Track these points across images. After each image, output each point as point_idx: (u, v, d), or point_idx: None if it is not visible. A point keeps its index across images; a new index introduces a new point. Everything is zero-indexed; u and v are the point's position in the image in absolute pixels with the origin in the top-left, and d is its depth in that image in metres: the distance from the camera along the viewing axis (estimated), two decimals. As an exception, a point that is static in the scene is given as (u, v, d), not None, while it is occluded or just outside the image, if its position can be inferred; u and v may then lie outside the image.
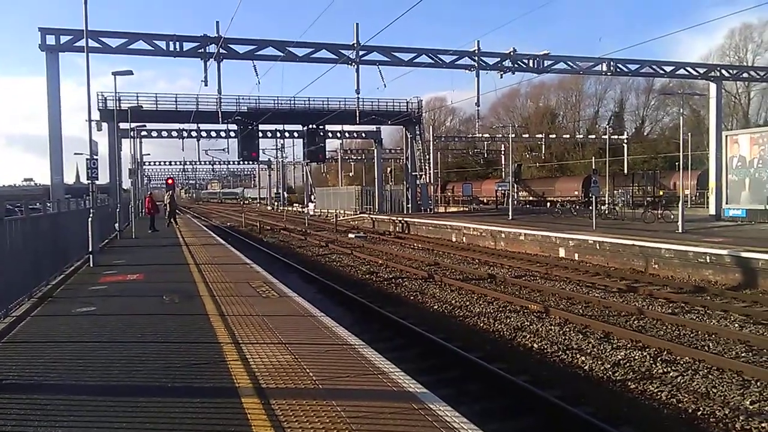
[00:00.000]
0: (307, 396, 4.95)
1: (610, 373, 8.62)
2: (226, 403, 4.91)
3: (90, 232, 15.12)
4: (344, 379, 5.43)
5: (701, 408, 7.15)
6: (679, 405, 7.31)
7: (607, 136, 53.03)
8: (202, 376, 5.70)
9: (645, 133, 73.68)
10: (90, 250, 15.23)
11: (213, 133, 46.38)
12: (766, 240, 18.14)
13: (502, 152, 68.49)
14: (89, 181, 15.90)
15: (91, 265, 14.88)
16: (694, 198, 43.51)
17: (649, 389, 7.89)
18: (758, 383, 7.78)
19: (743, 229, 22.34)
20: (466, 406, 6.91)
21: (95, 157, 15.81)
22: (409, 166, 44.90)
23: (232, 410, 4.74)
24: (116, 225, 25.02)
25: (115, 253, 18.41)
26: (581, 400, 7.56)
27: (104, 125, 34.41)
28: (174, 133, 45.73)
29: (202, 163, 79.62)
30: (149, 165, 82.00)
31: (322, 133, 43.53)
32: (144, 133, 44.53)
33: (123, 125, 36.47)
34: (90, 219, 15.17)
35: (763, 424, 6.55)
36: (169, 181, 34.92)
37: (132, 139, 38.24)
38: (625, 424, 6.78)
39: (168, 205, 31.48)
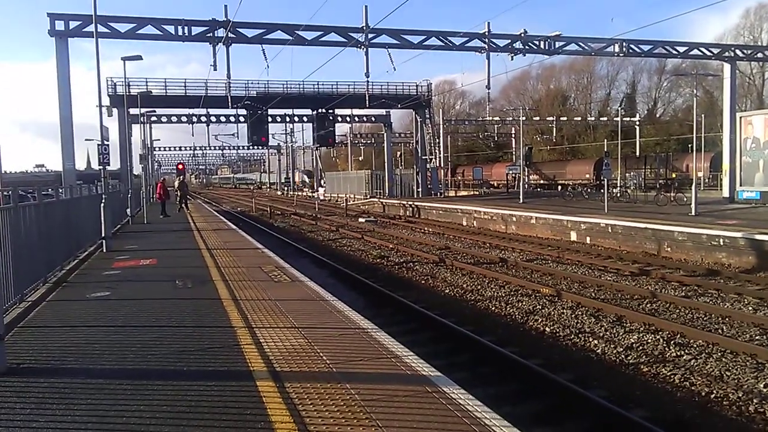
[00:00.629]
0: (321, 379, 4.98)
1: (623, 356, 8.61)
2: (241, 386, 4.94)
3: (102, 218, 15.21)
4: (358, 363, 5.45)
5: (715, 391, 7.13)
6: (693, 388, 7.30)
7: (619, 119, 52.51)
8: (216, 359, 5.73)
9: (657, 115, 72.92)
10: (103, 235, 15.33)
11: (222, 118, 46.47)
12: (780, 222, 17.98)
13: (513, 135, 68.14)
14: (101, 167, 15.98)
15: (104, 251, 14.98)
16: (707, 180, 43.10)
17: (663, 372, 7.87)
18: (773, 366, 7.75)
19: (757, 212, 22.11)
20: (479, 389, 6.93)
21: (106, 142, 15.86)
22: (419, 150, 44.75)
23: (247, 393, 4.77)
24: (128, 210, 25.17)
25: (127, 238, 18.53)
26: (594, 383, 7.57)
27: (114, 111, 34.49)
28: (184, 119, 45.82)
29: (212, 148, 79.77)
30: (159, 150, 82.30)
31: (331, 118, 43.43)
32: (154, 118, 44.65)
33: (133, 111, 36.58)
34: (102, 204, 15.26)
35: (777, 408, 6.53)
36: (180, 167, 34.96)
37: (142, 125, 38.33)
38: (638, 407, 6.78)
39: (179, 190, 31.59)
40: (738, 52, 30.85)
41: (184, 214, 29.11)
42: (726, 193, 28.10)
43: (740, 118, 26.69)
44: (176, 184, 32.04)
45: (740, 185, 26.28)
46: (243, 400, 4.66)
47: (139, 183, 36.52)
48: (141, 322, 7.42)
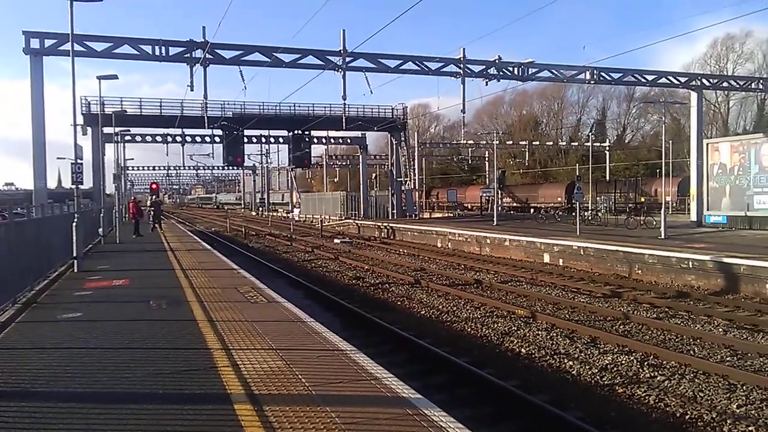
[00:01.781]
0: (301, 402, 4.94)
1: (597, 377, 8.69)
2: (218, 410, 4.88)
3: (74, 237, 14.95)
4: (337, 385, 5.42)
5: (689, 412, 7.23)
6: (667, 409, 7.38)
7: (589, 144, 53.54)
8: (193, 382, 5.66)
9: (626, 141, 74.54)
10: (74, 255, 15.06)
11: (198, 138, 46.21)
12: (746, 246, 18.42)
13: (486, 159, 68.91)
14: (73, 186, 15.74)
15: (76, 270, 14.70)
16: (675, 204, 44.06)
17: (637, 393, 7.96)
18: (744, 387, 7.89)
19: (724, 235, 22.65)
20: (456, 411, 6.93)
21: (80, 161, 15.65)
22: (394, 172, 45.00)
23: (224, 417, 4.71)
24: (100, 230, 24.76)
25: (99, 258, 18.22)
26: (570, 404, 7.61)
27: (89, 130, 34.09)
28: (158, 138, 45.38)
29: (187, 168, 79.01)
30: (133, 170, 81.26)
31: (307, 139, 43.45)
32: (128, 137, 44.15)
33: (107, 130, 36.15)
34: (74, 224, 15.00)
35: (750, 428, 6.64)
36: (153, 186, 34.57)
37: (116, 144, 37.89)
38: (614, 428, 6.84)
39: (152, 209, 31.20)
40: (704, 81, 31.75)
41: (158, 234, 28.73)
42: (694, 217, 28.76)
43: (707, 144, 27.45)
44: (149, 203, 31.64)
45: (707, 209, 26.93)
46: (220, 424, 4.60)
47: (112, 202, 36.00)
48: (114, 344, 7.29)
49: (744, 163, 24.94)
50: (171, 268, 15.34)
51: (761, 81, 33.64)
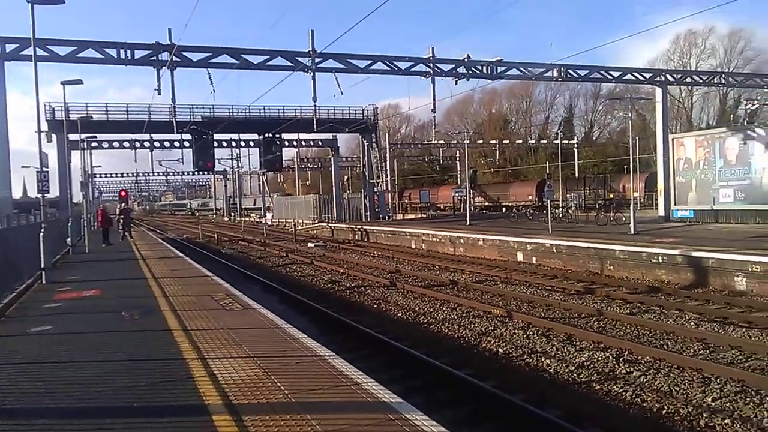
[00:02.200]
0: (281, 411, 4.87)
1: (575, 375, 8.76)
2: (196, 422, 4.78)
3: (42, 248, 14.58)
4: (317, 392, 5.36)
5: (665, 407, 7.32)
6: (644, 404, 7.47)
7: (558, 141, 54.20)
8: (169, 394, 5.54)
9: (594, 138, 75.69)
10: (42, 266, 14.69)
11: (167, 144, 45.45)
12: (714, 239, 18.80)
13: (458, 158, 69.29)
14: (39, 195, 15.35)
15: (44, 282, 14.35)
16: (642, 200, 44.80)
17: (614, 390, 8.04)
18: (718, 380, 8.02)
19: (692, 230, 23.10)
20: (436, 413, 6.92)
21: (45, 169, 15.28)
22: (367, 174, 44.95)
23: (202, 429, 4.62)
24: (68, 240, 24.23)
25: (68, 268, 17.81)
26: (548, 402, 7.65)
27: (54, 137, 33.36)
28: (126, 144, 44.64)
29: (156, 174, 77.88)
30: (100, 177, 79.90)
31: (278, 142, 43.11)
32: (94, 144, 43.33)
33: (72, 136, 35.42)
34: (41, 234, 14.63)
35: (726, 421, 6.75)
36: (122, 194, 34.05)
37: (82, 151, 37.14)
38: (593, 425, 6.89)
39: (121, 217, 30.66)
40: (669, 76, 32.38)
41: (128, 242, 28.24)
42: (662, 212, 29.26)
43: (673, 139, 27.96)
44: (117, 211, 31.09)
45: (675, 204, 27.44)
46: (200, 436, 4.51)
47: (80, 211, 35.25)
48: (86, 357, 7.11)
49: (709, 158, 25.47)
50: (143, 276, 15.07)
51: (724, 75, 34.41)
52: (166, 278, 14.47)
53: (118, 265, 18.33)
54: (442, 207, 61.24)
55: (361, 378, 5.66)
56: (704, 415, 7.00)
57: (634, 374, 8.55)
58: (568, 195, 45.23)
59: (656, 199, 34.86)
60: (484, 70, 28.67)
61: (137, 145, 44.49)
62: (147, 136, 43.03)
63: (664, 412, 7.23)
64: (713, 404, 7.30)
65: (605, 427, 6.89)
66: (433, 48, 27.52)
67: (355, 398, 5.14)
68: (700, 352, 9.55)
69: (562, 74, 29.79)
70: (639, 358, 9.25)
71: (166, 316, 9.38)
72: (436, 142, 66.04)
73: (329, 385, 5.54)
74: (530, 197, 51.74)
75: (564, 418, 6.98)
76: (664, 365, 8.82)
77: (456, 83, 28.52)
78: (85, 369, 6.59)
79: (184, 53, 23.93)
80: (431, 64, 27.56)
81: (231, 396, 5.32)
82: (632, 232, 22.41)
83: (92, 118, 34.79)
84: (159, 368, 6.44)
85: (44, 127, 33.29)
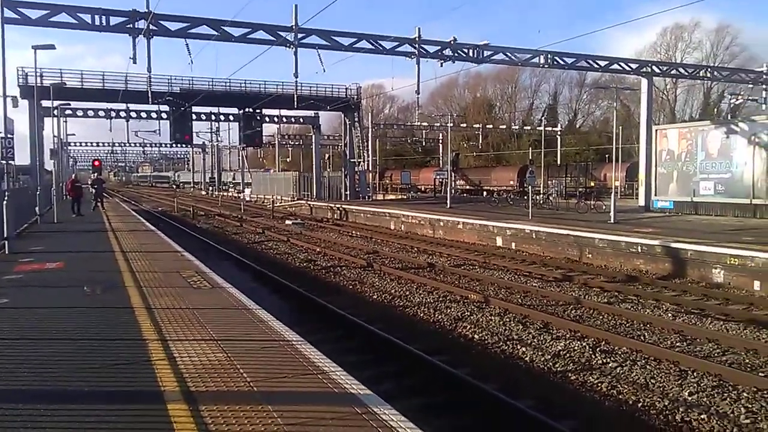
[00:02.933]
0: (241, 400, 4.54)
1: (550, 364, 8.57)
2: (149, 410, 4.44)
3: (5, 217, 14.02)
4: (281, 380, 5.05)
5: (641, 400, 7.15)
6: (620, 397, 7.30)
7: (542, 128, 54.06)
8: (123, 378, 5.19)
9: (578, 126, 75.85)
10: (5, 235, 14.13)
11: (143, 114, 44.43)
12: (693, 231, 18.77)
13: (440, 141, 68.93)
14: (4, 162, 14.75)
15: (6, 252, 13.80)
16: (623, 189, 44.95)
17: (590, 380, 7.86)
18: (695, 374, 7.87)
19: (671, 220, 23.10)
20: (408, 401, 6.68)
21: (10, 136, 14.65)
22: (348, 153, 44.47)
23: (155, 418, 4.29)
24: (36, 209, 23.51)
25: (33, 238, 17.22)
26: (523, 392, 7.44)
27: (24, 102, 32.31)
28: (101, 113, 43.51)
29: (132, 145, 76.33)
30: (75, 146, 78.11)
31: (258, 117, 42.44)
32: (68, 112, 42.21)
33: (46, 103, 34.38)
34: (4, 202, 14.06)
35: (702, 416, 6.59)
36: (96, 163, 33.21)
37: (54, 118, 36.09)
38: (568, 417, 6.69)
39: (93, 187, 29.91)
40: (655, 68, 32.18)
41: (99, 213, 27.56)
42: (642, 202, 29.27)
43: (656, 131, 27.89)
44: (89, 181, 30.31)
45: (655, 195, 27.44)
46: (150, 427, 4.17)
47: (51, 179, 34.35)
48: (40, 335, 6.73)
49: (691, 150, 25.44)
50: (111, 250, 14.58)
51: (709, 69, 34.35)
52: (135, 252, 14.00)
53: (86, 237, 17.78)
54: (423, 189, 61.01)
55: (329, 366, 5.35)
56: (680, 409, 6.84)
57: (610, 365, 8.38)
58: (549, 182, 45.23)
59: (637, 189, 34.93)
60: (470, 54, 28.20)
61: (113, 114, 43.39)
62: (123, 106, 42.00)
63: (640, 405, 7.06)
64: (690, 399, 7.13)
65: (581, 418, 6.70)
66: (419, 28, 26.94)
67: (322, 389, 4.84)
68: (677, 344, 9.41)
69: (549, 61, 29.41)
70: (616, 348, 9.09)
71: (129, 293, 8.98)
72: (419, 123, 65.51)
73: (295, 373, 5.22)
74: (512, 182, 51.68)
75: (538, 408, 6.77)
76: (640, 357, 8.66)
77: (441, 65, 28.01)
78: (37, 347, 6.21)
79: (162, 22, 23.07)
80: (417, 45, 27.00)
81: (189, 382, 4.98)
82: (612, 221, 22.35)
83: (65, 84, 33.77)
84: (116, 349, 6.07)
85: (16, 92, 32.24)
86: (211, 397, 4.62)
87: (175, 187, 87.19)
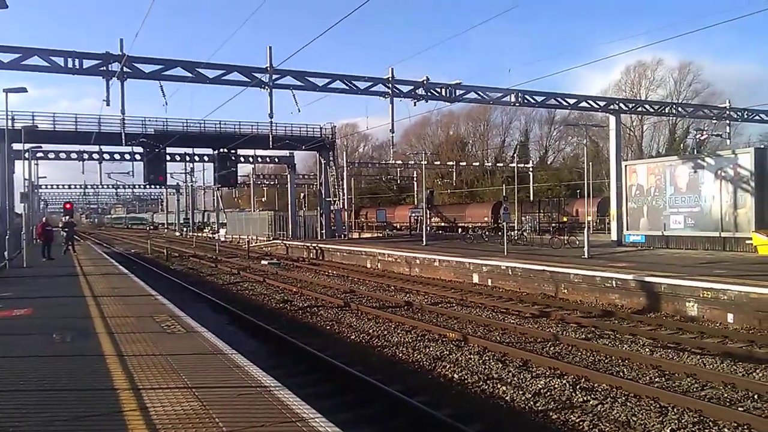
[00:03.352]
0: (217, 452, 4.40)
1: (531, 403, 8.50)
2: (120, 465, 4.27)
3: (-29, 263, 13.65)
4: (259, 429, 4.89)
5: (623, 438, 7.10)
6: (602, 436, 7.24)
7: (514, 165, 54.88)
8: (93, 431, 4.99)
9: (549, 162, 77.12)
10: (-30, 282, 13.73)
11: (117, 156, 44.04)
12: (665, 264, 19.03)
13: (415, 179, 69.43)
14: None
15: (-28, 300, 13.39)
16: (595, 224, 45.53)
17: (571, 419, 7.80)
18: (675, 410, 7.86)
19: (643, 254, 23.42)
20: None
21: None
22: (323, 192, 44.51)
23: (127, 473, 4.12)
24: (5, 253, 22.96)
25: (1, 285, 16.73)
26: (506, 433, 7.35)
27: (-7, 145, 31.85)
28: (74, 155, 43.04)
29: (105, 186, 75.36)
30: (46, 188, 76.86)
31: (233, 158, 42.36)
32: (40, 154, 41.71)
33: (17, 146, 33.91)
34: (-29, 248, 13.72)
35: (684, 454, 6.56)
36: (67, 206, 32.58)
37: (25, 161, 35.56)
38: (551, 458, 6.61)
39: (64, 230, 29.36)
40: (622, 105, 33.06)
41: (71, 256, 27.01)
42: (614, 236, 29.69)
43: (626, 166, 28.53)
44: (60, 224, 29.75)
45: (627, 229, 27.88)
46: (122, 482, 4.00)
47: (20, 223, 33.66)
48: (5, 386, 6.46)
49: (660, 185, 26.00)
50: (81, 295, 14.24)
51: (674, 106, 35.40)
52: (107, 296, 13.69)
53: (56, 282, 17.35)
54: (398, 227, 61.12)
55: (308, 413, 5.21)
56: (663, 447, 6.81)
57: (591, 402, 8.34)
58: (523, 217, 45.68)
59: (608, 223, 35.45)
60: (443, 93, 28.68)
61: (86, 156, 42.96)
62: (96, 148, 41.65)
63: (622, 444, 7.01)
64: (672, 436, 7.11)
65: (563, 460, 6.62)
66: (392, 69, 27.39)
67: (301, 437, 4.71)
68: (656, 379, 9.43)
69: (520, 99, 30.04)
70: (595, 385, 9.06)
71: (101, 339, 8.73)
72: (393, 162, 66.04)
73: (273, 421, 5.07)
74: (486, 219, 52.08)
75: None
76: (621, 393, 8.64)
77: (415, 104, 28.43)
78: (3, 400, 5.95)
79: (136, 64, 23.09)
80: (390, 85, 27.39)
81: (162, 434, 4.81)
82: (586, 256, 22.56)
83: (37, 127, 33.41)
84: (85, 400, 5.85)
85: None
86: (185, 450, 4.46)
87: (150, 228, 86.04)
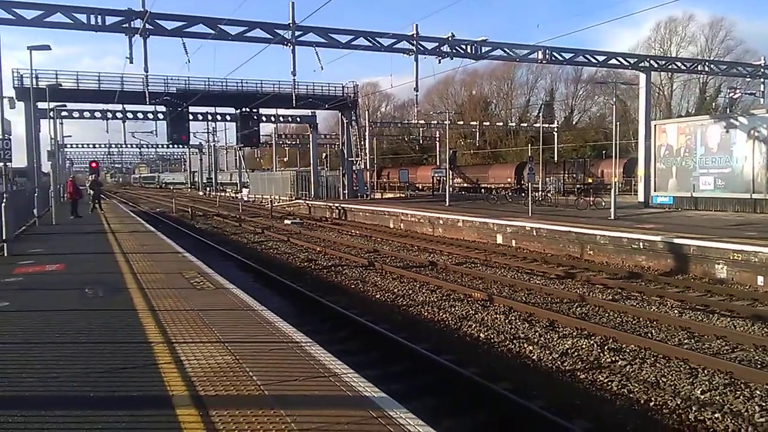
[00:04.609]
0: (252, 405, 4.43)
1: (559, 363, 8.48)
2: (157, 416, 4.33)
3: (3, 219, 13.88)
4: (292, 384, 4.93)
5: (653, 398, 7.06)
6: (631, 396, 7.20)
7: (539, 125, 54.03)
8: (129, 382, 5.07)
9: (574, 122, 75.78)
10: (4, 238, 13.99)
11: (140, 115, 44.25)
12: (693, 226, 18.70)
13: (437, 139, 68.83)
14: (1, 164, 14.61)
15: (5, 255, 13.66)
16: (621, 185, 44.87)
17: (599, 379, 7.77)
18: (705, 371, 7.78)
19: (671, 216, 23.05)
20: (417, 402, 6.58)
21: (8, 137, 14.50)
22: (345, 152, 44.34)
23: (165, 424, 4.18)
24: (35, 210, 23.35)
25: (33, 241, 17.06)
26: (533, 392, 7.35)
27: (20, 104, 32.08)
28: (98, 114, 43.32)
29: (129, 146, 76.19)
30: (71, 147, 77.81)
31: (255, 117, 42.24)
32: (65, 113, 42.04)
33: (42, 105, 34.20)
34: (3, 204, 13.92)
35: (716, 415, 6.50)
36: (93, 165, 33.01)
37: (50, 120, 35.90)
38: (579, 417, 6.60)
39: (91, 189, 29.74)
40: (653, 62, 32.19)
41: (98, 214, 27.40)
42: (641, 197, 29.24)
43: (655, 126, 27.85)
44: (87, 183, 30.13)
45: (655, 190, 27.40)
46: (160, 432, 4.07)
47: (49, 181, 34.16)
48: (43, 338, 6.60)
49: (690, 145, 25.40)
50: (111, 251, 14.45)
51: (707, 63, 34.35)
52: (135, 253, 13.87)
53: (86, 239, 17.63)
54: (420, 187, 60.91)
55: (340, 368, 5.24)
56: (693, 408, 6.75)
57: (619, 363, 8.29)
58: (547, 178, 45.16)
59: (635, 185, 34.91)
60: (469, 50, 28.12)
61: (109, 115, 43.21)
62: (119, 107, 41.83)
63: (651, 404, 6.96)
64: (702, 397, 7.04)
65: (592, 418, 6.60)
66: (416, 25, 26.87)
67: (334, 392, 4.73)
68: (686, 341, 9.33)
69: (547, 56, 29.37)
70: (623, 346, 9.00)
71: (132, 295, 8.86)
72: (416, 121, 65.45)
73: (306, 375, 5.11)
74: (509, 180, 51.62)
75: (550, 409, 6.67)
76: (649, 354, 8.57)
77: (439, 62, 27.94)
78: (41, 352, 6.08)
79: (158, 21, 22.95)
80: (414, 42, 26.92)
81: (198, 386, 4.87)
82: (612, 217, 22.26)
83: (61, 86, 33.59)
84: (121, 352, 5.96)
85: (11, 93, 32.02)
86: (220, 402, 4.51)
87: (187, 186, 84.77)
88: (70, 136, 60.30)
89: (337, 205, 36.58)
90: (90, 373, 5.31)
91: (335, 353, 5.98)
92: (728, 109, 26.52)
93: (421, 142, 76.38)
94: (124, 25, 22.15)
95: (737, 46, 59.95)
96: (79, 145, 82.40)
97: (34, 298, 8.96)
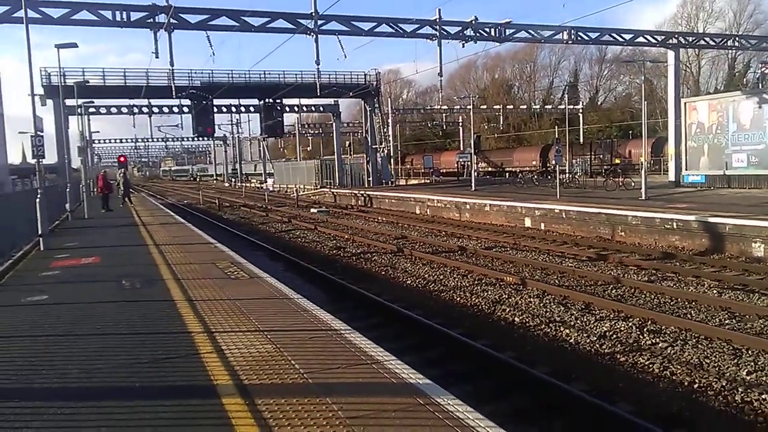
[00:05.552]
0: (297, 393, 4.44)
1: (597, 346, 8.37)
2: (204, 405, 4.36)
3: (38, 214, 14.12)
4: (335, 371, 4.93)
5: (697, 380, 6.92)
6: (674, 378, 7.08)
7: (564, 106, 53.26)
8: (174, 372, 5.12)
9: (599, 103, 74.59)
10: (40, 232, 14.25)
11: (165, 109, 44.75)
12: (727, 205, 18.31)
13: (460, 124, 68.35)
14: (35, 160, 14.84)
15: (42, 249, 13.92)
16: (649, 165, 44.11)
17: (640, 362, 7.65)
18: (750, 352, 7.61)
19: (704, 195, 22.60)
20: (456, 387, 6.54)
21: (40, 134, 14.72)
22: (369, 139, 44.29)
23: (212, 413, 4.20)
24: (67, 205, 23.77)
25: (66, 235, 17.36)
26: (573, 376, 7.27)
27: (49, 102, 32.63)
28: (124, 110, 43.92)
29: (155, 140, 77.06)
30: (99, 143, 79.01)
31: (279, 107, 42.43)
32: (92, 109, 42.64)
33: (69, 102, 34.72)
34: (38, 200, 14.17)
35: (763, 396, 6.35)
36: (122, 159, 33.39)
37: (79, 116, 36.43)
38: (623, 400, 6.50)
39: (121, 183, 30.18)
40: (681, 39, 31.47)
41: (128, 207, 27.80)
42: (672, 177, 28.72)
43: (685, 103, 27.25)
44: (119, 177, 30.59)
45: (686, 169, 26.87)
46: (208, 422, 4.08)
47: (78, 176, 34.74)
48: (84, 330, 6.70)
49: (722, 122, 24.81)
50: (144, 243, 14.63)
51: (736, 38, 33.45)
52: (168, 245, 14.03)
53: (118, 232, 17.88)
54: (445, 172, 60.61)
55: (382, 356, 5.22)
56: (740, 389, 6.60)
57: (660, 345, 8.15)
58: (574, 160, 44.58)
59: (664, 164, 34.31)
60: (492, 33, 27.82)
61: (135, 110, 43.79)
62: (145, 102, 42.33)
63: (695, 386, 6.83)
64: (748, 378, 6.89)
65: (635, 401, 6.50)
66: (439, 9, 26.64)
67: (378, 379, 4.71)
68: (727, 321, 9.14)
69: (572, 37, 28.92)
70: (663, 328, 8.84)
71: (168, 285, 8.96)
72: (439, 107, 65.04)
73: (348, 363, 5.10)
74: (534, 162, 51.04)
75: (592, 393, 6.58)
76: (690, 336, 8.41)
77: (463, 46, 27.71)
78: (83, 343, 6.17)
79: (182, 15, 23.11)
80: (438, 27, 26.71)
81: (242, 375, 4.89)
82: (643, 197, 21.91)
83: (88, 83, 34.04)
84: (162, 342, 6.02)
85: (40, 91, 32.55)
86: (266, 391, 4.52)
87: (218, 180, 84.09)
88: (98, 131, 61.28)
89: (362, 192, 36.58)
90: (134, 364, 5.37)
91: (373, 340, 5.96)
92: (760, 85, 25.74)
93: (443, 127, 75.91)
94: (149, 21, 22.35)
95: (766, 20, 58.29)
96: (107, 141, 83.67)
97: (73, 291, 9.10)
